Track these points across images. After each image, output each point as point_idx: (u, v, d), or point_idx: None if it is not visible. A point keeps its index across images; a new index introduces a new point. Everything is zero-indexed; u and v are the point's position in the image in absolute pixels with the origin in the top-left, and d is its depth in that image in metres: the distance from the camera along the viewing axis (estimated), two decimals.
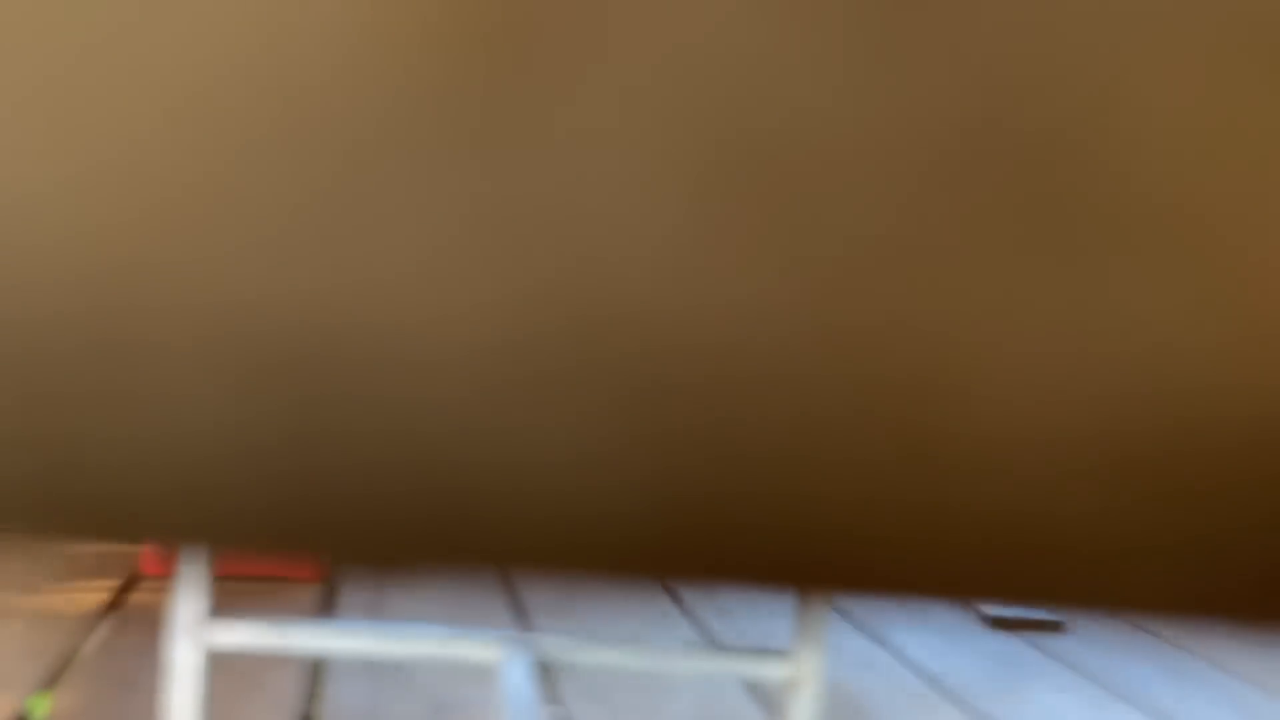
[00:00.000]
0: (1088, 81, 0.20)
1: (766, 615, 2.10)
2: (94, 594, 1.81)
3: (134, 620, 1.72)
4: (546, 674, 1.63)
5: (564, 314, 0.21)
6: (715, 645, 1.15)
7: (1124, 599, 0.24)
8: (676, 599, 2.14)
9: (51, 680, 1.45)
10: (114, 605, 1.78)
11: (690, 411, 0.21)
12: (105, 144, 0.19)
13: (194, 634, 1.11)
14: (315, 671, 1.57)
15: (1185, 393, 0.22)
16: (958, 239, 0.21)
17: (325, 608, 1.88)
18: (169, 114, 0.19)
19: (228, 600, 1.84)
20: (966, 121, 0.20)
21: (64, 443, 0.20)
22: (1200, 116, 0.21)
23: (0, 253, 0.20)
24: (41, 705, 1.36)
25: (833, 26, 0.20)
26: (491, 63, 0.20)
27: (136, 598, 1.82)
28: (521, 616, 1.94)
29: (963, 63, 0.20)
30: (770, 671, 1.25)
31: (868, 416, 0.22)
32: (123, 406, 0.21)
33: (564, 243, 0.20)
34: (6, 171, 0.19)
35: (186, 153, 0.19)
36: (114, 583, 1.87)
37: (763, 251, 0.21)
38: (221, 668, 1.53)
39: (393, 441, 0.21)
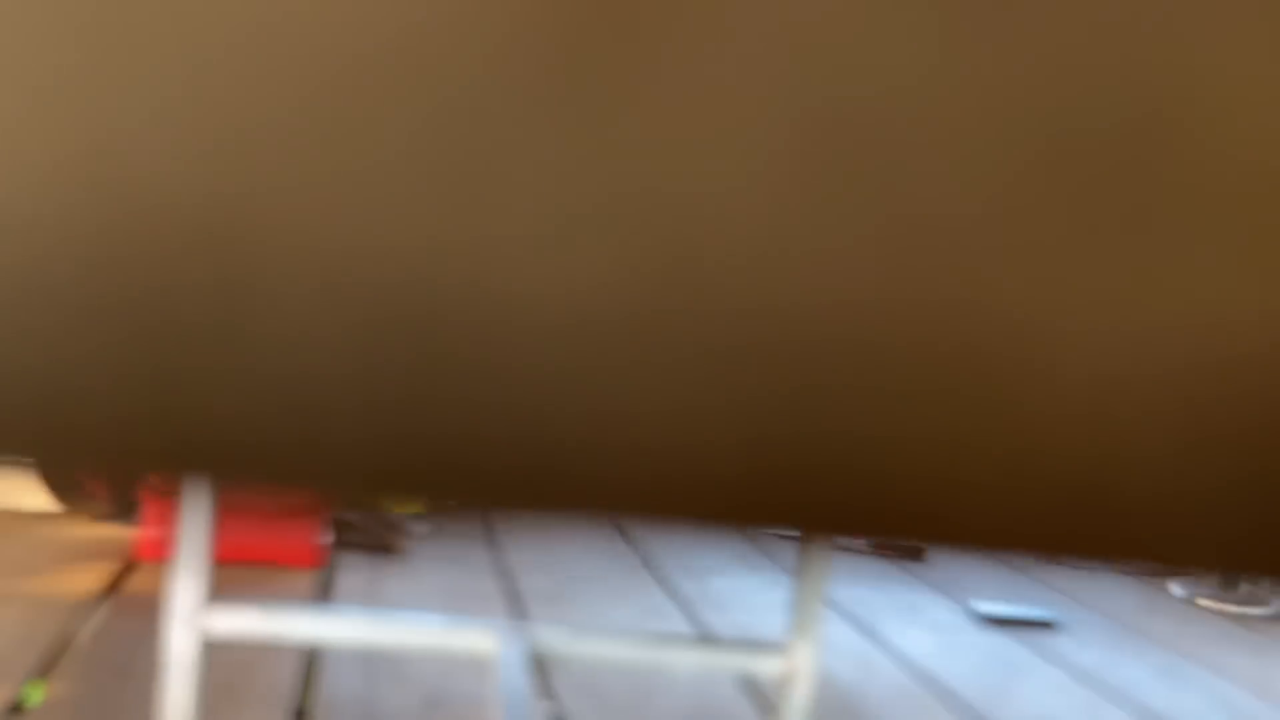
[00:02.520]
0: (1172, 67, 0.22)
1: (761, 609, 2.10)
2: (90, 579, 1.81)
3: (130, 606, 1.72)
4: (539, 665, 1.63)
5: (666, 288, 0.22)
6: (710, 638, 1.15)
7: (1190, 557, 0.26)
8: (670, 592, 2.14)
9: (47, 667, 1.46)
10: (110, 590, 1.78)
11: (781, 376, 0.23)
12: (248, 93, 0.20)
13: (191, 620, 1.11)
14: (308, 662, 1.57)
15: (1250, 367, 0.24)
16: (1036, 217, 0.22)
17: (321, 595, 1.88)
18: (317, 72, 0.20)
19: (224, 587, 1.84)
20: (1049, 104, 0.22)
21: (182, 380, 0.21)
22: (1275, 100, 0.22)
23: (132, 187, 0.21)
24: (36, 692, 1.36)
25: (924, 12, 0.21)
26: (607, 52, 0.21)
27: (133, 583, 1.82)
28: (517, 606, 1.94)
29: (1051, 47, 0.21)
30: (764, 665, 1.26)
31: (942, 383, 0.23)
32: (240, 347, 0.22)
33: (665, 222, 0.22)
34: (146, 110, 0.21)
35: (326, 108, 0.20)
36: (111, 567, 1.88)
37: (853, 230, 0.22)
38: (214, 657, 1.53)
39: (498, 403, 0.22)
